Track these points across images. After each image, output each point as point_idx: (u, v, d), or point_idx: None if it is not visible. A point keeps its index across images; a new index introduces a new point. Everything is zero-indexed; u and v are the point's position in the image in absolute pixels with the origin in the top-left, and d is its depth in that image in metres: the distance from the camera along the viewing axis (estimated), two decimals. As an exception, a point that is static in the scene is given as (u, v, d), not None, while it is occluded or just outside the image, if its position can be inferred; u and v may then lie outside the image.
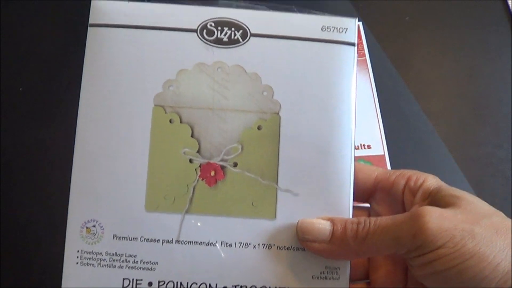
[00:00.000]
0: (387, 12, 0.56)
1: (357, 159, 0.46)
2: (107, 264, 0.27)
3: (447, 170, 0.47)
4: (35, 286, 0.41)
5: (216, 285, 0.27)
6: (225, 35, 0.28)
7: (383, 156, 0.46)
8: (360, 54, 0.53)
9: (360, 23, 0.54)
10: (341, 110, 0.27)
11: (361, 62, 0.52)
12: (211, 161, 0.27)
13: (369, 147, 0.46)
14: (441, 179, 0.46)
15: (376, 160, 0.46)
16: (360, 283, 0.29)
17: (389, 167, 0.46)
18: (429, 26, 0.55)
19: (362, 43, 0.54)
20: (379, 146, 0.47)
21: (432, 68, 0.53)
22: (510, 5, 0.56)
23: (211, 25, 0.28)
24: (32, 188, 0.45)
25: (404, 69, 0.52)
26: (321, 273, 0.27)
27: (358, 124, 0.49)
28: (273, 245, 0.27)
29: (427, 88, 0.49)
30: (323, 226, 0.26)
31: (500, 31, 0.55)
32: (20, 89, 0.51)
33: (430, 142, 0.48)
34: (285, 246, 0.27)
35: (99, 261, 0.27)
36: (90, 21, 0.29)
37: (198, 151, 0.27)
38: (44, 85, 0.51)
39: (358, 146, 0.47)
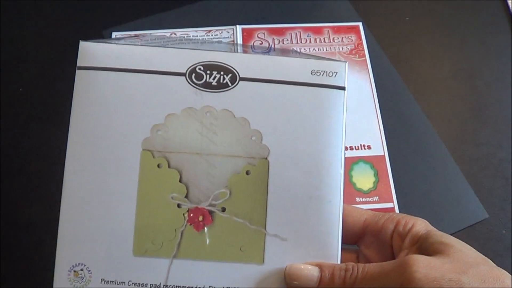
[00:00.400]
0: (387, 12, 0.56)
1: (357, 159, 0.46)
2: None
3: (447, 170, 0.47)
4: (35, 286, 0.41)
5: None
6: (214, 79, 0.28)
7: (383, 156, 0.46)
8: (360, 54, 0.53)
9: (360, 24, 0.55)
10: (330, 155, 0.28)
11: (361, 62, 0.52)
12: (199, 206, 0.28)
13: (369, 147, 0.46)
14: (441, 179, 0.46)
15: (376, 160, 0.46)
16: None
17: (389, 167, 0.46)
18: (429, 27, 0.55)
19: (362, 44, 0.54)
20: (379, 146, 0.47)
21: (432, 68, 0.53)
22: (510, 5, 0.56)
23: (200, 69, 0.28)
24: (32, 189, 0.45)
25: (404, 70, 0.53)
26: None
27: (358, 125, 0.49)
28: None
29: (427, 88, 0.49)
30: (311, 272, 0.26)
31: (500, 31, 0.55)
32: (20, 89, 0.51)
33: (430, 142, 0.48)
34: None
35: None
36: (78, 64, 0.28)
37: (186, 196, 0.27)
38: (44, 85, 0.51)
39: (358, 146, 0.47)
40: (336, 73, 0.28)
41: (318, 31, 0.54)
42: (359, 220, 0.28)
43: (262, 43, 0.54)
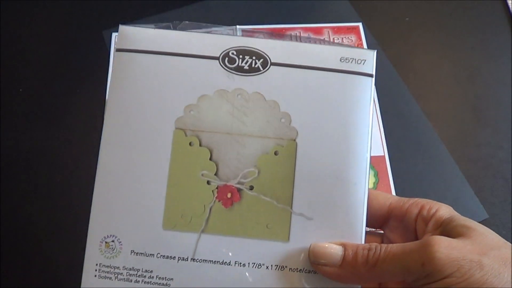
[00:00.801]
0: (387, 13, 0.56)
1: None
2: (124, 278, 0.28)
3: (447, 170, 0.47)
4: (35, 286, 0.41)
5: None
6: (246, 63, 0.29)
7: (383, 157, 0.46)
8: (360, 55, 0.53)
9: (360, 24, 0.55)
10: (357, 139, 0.28)
11: (361, 63, 0.52)
12: (228, 184, 0.29)
13: (369, 147, 0.46)
14: (441, 179, 0.46)
15: (376, 160, 0.46)
16: None
17: (389, 168, 0.46)
18: (429, 27, 0.55)
19: (362, 44, 0.54)
20: (379, 147, 0.47)
21: (432, 68, 0.53)
22: (510, 6, 0.56)
23: (232, 53, 0.29)
24: (32, 189, 0.45)
25: (404, 70, 0.53)
26: None
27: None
28: (286, 266, 0.28)
29: (427, 88, 0.49)
30: (334, 250, 0.27)
31: (500, 31, 0.55)
32: (20, 90, 0.51)
33: (430, 143, 0.48)
34: (297, 268, 0.28)
35: (116, 275, 0.28)
36: (117, 46, 0.30)
37: (216, 174, 0.29)
38: (44, 86, 0.51)
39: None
40: (365, 60, 0.29)
41: (318, 31, 0.54)
42: (384, 204, 0.29)
43: (262, 43, 0.53)
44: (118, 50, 0.30)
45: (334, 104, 0.29)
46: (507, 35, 0.55)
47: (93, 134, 0.48)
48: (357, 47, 0.30)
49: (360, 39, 0.54)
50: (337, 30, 0.54)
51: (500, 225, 0.44)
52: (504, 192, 0.46)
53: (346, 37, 0.54)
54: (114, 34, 0.55)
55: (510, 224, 0.44)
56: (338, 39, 0.54)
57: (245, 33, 0.50)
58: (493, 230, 0.35)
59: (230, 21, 0.55)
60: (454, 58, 0.53)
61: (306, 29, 0.55)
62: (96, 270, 0.28)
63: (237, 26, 0.55)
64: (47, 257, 0.42)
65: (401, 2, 0.57)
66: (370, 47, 0.53)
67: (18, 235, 0.43)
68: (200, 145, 0.29)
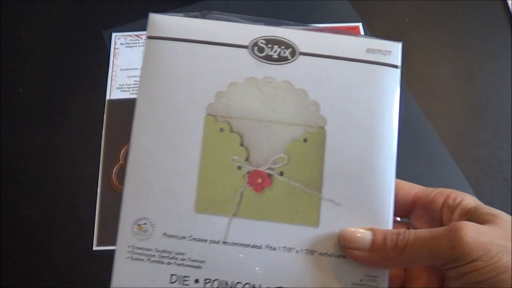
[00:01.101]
0: (387, 13, 0.56)
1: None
2: (156, 260, 0.29)
3: (447, 170, 0.47)
4: (35, 286, 0.41)
5: (260, 285, 0.28)
6: (275, 52, 0.30)
7: (383, 156, 0.46)
8: (360, 55, 0.53)
9: (360, 24, 0.55)
10: (384, 127, 0.29)
11: (361, 63, 0.52)
12: (259, 169, 0.29)
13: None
14: (441, 179, 0.46)
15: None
16: None
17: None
18: (429, 27, 0.55)
19: (362, 44, 0.54)
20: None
21: (432, 69, 0.53)
22: (510, 6, 0.56)
23: (262, 43, 0.30)
24: (32, 188, 0.45)
25: (404, 70, 0.52)
26: (361, 280, 0.28)
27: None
28: (315, 251, 0.28)
29: (427, 89, 0.49)
30: (364, 235, 0.27)
31: (500, 31, 0.55)
32: (20, 90, 0.51)
33: (430, 143, 0.48)
34: (326, 253, 0.28)
35: (148, 257, 0.29)
36: (148, 34, 0.30)
37: (247, 159, 0.29)
38: (44, 86, 0.51)
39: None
40: (391, 52, 0.30)
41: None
42: (410, 193, 0.30)
43: (262, 43, 0.53)
44: (149, 37, 0.30)
45: (361, 93, 0.29)
46: (507, 35, 0.55)
47: (93, 134, 0.48)
48: (384, 38, 0.30)
49: (360, 39, 0.54)
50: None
51: (500, 225, 0.44)
52: (504, 192, 0.46)
53: (346, 37, 0.54)
54: (114, 34, 0.55)
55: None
56: (338, 39, 0.54)
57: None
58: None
59: (230, 21, 0.55)
60: (454, 58, 0.53)
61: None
62: (128, 252, 0.29)
63: (237, 26, 0.55)
64: (47, 257, 0.42)
65: (401, 2, 0.57)
66: (370, 47, 0.53)
67: (18, 235, 0.43)
68: (231, 131, 0.29)
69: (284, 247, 0.28)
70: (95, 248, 0.42)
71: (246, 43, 0.30)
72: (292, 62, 0.30)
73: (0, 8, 0.56)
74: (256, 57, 0.30)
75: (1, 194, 0.45)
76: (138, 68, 0.52)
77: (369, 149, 0.29)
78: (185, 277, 0.29)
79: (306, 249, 0.28)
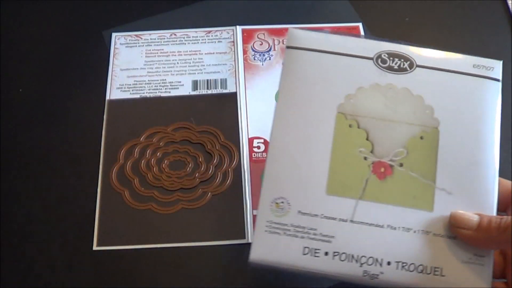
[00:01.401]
0: (387, 13, 0.56)
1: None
2: (291, 234, 0.34)
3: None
4: (36, 286, 0.41)
5: (382, 259, 0.33)
6: (395, 64, 0.36)
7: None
8: (360, 55, 0.53)
9: (360, 24, 0.55)
10: (488, 129, 0.35)
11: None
12: (382, 160, 0.35)
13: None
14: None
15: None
16: (498, 282, 0.34)
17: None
18: (429, 27, 0.55)
19: (362, 44, 0.54)
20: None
21: (432, 69, 0.53)
22: (510, 6, 0.56)
23: (384, 55, 0.37)
24: (32, 188, 0.45)
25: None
26: (469, 258, 0.33)
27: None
28: (430, 232, 0.33)
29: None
30: (471, 217, 0.32)
31: (500, 31, 0.55)
32: (20, 90, 0.51)
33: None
34: (440, 234, 0.33)
35: (284, 231, 0.34)
36: (287, 44, 0.37)
37: (371, 151, 0.35)
38: (44, 86, 0.51)
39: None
40: (493, 68, 0.36)
41: (318, 31, 0.54)
42: (508, 189, 0.34)
43: (262, 43, 0.54)
44: (288, 47, 0.37)
45: (469, 100, 0.36)
46: (507, 35, 0.55)
47: (93, 134, 0.48)
48: (486, 58, 0.37)
49: (360, 39, 0.54)
50: (337, 31, 0.54)
51: (499, 226, 0.44)
52: (503, 193, 0.46)
53: (346, 37, 0.54)
54: (114, 34, 0.55)
55: (494, 213, 0.45)
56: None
57: (244, 31, 0.52)
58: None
59: (230, 21, 0.55)
60: (454, 58, 0.53)
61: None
62: (266, 226, 0.34)
63: (237, 27, 0.55)
64: (47, 257, 0.42)
65: (401, 2, 0.57)
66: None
67: (18, 235, 0.43)
68: (358, 127, 0.35)
69: (403, 227, 0.33)
70: (95, 248, 0.42)
71: (371, 55, 0.37)
72: (411, 73, 0.36)
73: (0, 8, 0.56)
74: (380, 67, 0.36)
75: (1, 194, 0.45)
76: (138, 68, 0.53)
77: (475, 147, 0.35)
78: (316, 249, 0.33)
79: (422, 230, 0.33)
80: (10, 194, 0.45)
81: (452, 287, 0.32)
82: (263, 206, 0.34)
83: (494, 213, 0.33)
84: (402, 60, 0.37)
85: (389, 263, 0.33)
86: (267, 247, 0.34)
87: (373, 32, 0.54)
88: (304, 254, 0.33)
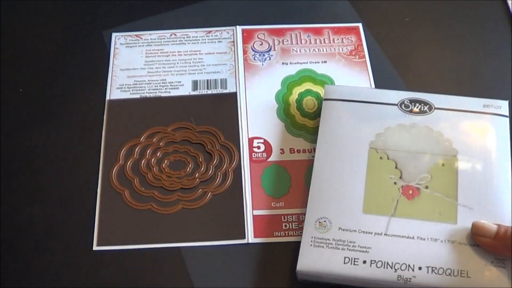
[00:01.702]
0: (387, 13, 0.56)
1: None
2: (333, 247, 0.39)
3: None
4: (35, 286, 0.41)
5: (414, 265, 0.38)
6: (417, 107, 0.45)
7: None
8: (360, 55, 0.53)
9: (360, 25, 0.55)
10: (499, 156, 0.42)
11: (361, 63, 0.53)
12: (410, 184, 0.42)
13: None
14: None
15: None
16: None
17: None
18: (429, 27, 0.56)
19: (362, 45, 0.54)
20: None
21: (432, 69, 0.53)
22: (510, 5, 0.56)
23: (407, 101, 0.45)
24: (32, 188, 0.45)
25: (404, 70, 0.53)
26: (491, 262, 0.38)
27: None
28: (455, 241, 0.39)
29: (427, 89, 0.49)
30: (490, 227, 0.38)
31: (500, 31, 0.55)
32: (20, 90, 0.51)
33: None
34: (464, 242, 0.39)
35: (327, 245, 0.39)
36: (324, 97, 0.46)
37: (400, 177, 0.42)
38: (43, 86, 0.52)
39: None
40: (501, 106, 0.45)
41: (318, 31, 0.55)
42: None
43: (262, 43, 0.54)
44: (325, 99, 0.46)
45: (482, 133, 0.43)
46: (507, 35, 0.55)
47: (93, 134, 0.48)
48: (494, 99, 0.45)
49: (360, 40, 0.54)
50: (337, 31, 0.54)
51: (499, 226, 0.44)
52: (503, 193, 0.46)
53: (346, 37, 0.54)
54: (114, 34, 0.55)
55: (510, 224, 0.45)
56: (338, 39, 0.54)
57: (244, 31, 0.52)
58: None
59: (230, 21, 0.55)
60: (454, 58, 0.53)
61: (306, 30, 0.55)
62: (311, 241, 0.40)
63: (237, 27, 0.55)
64: (47, 257, 0.42)
65: (401, 2, 0.57)
66: (370, 47, 0.53)
67: (18, 235, 0.43)
68: (388, 158, 0.43)
69: (431, 238, 0.39)
70: (95, 248, 0.43)
71: (396, 102, 0.45)
72: (430, 114, 0.44)
73: (0, 8, 0.56)
74: (404, 110, 0.45)
75: (1, 194, 0.45)
76: (138, 68, 0.53)
77: (490, 171, 0.42)
78: (355, 259, 0.39)
79: (448, 240, 0.39)
80: (10, 194, 0.45)
81: (477, 287, 0.37)
82: (308, 225, 0.40)
83: (509, 219, 0.39)
84: (422, 104, 0.45)
85: (420, 268, 0.38)
86: (313, 258, 0.39)
87: (373, 32, 0.54)
88: (345, 263, 0.38)
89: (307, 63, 0.53)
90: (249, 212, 0.44)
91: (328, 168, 0.42)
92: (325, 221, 0.40)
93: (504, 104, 0.44)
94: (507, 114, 0.44)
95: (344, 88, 0.46)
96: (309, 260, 0.39)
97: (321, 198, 0.41)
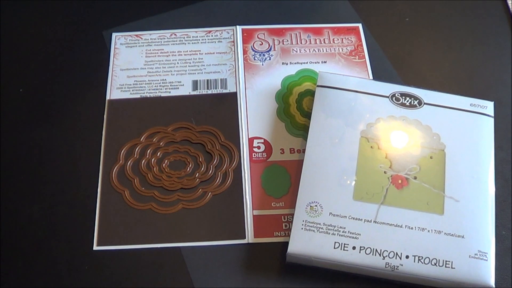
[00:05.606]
0: (387, 13, 0.57)
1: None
2: (324, 231, 0.42)
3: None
4: (35, 286, 0.41)
5: (401, 253, 0.40)
6: (407, 101, 0.47)
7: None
8: (360, 56, 0.53)
9: (360, 25, 0.55)
10: (483, 152, 0.45)
11: (361, 64, 0.53)
12: (399, 174, 0.45)
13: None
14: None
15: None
16: None
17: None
18: (429, 27, 0.56)
19: (362, 45, 0.54)
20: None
21: (432, 69, 0.53)
22: (510, 5, 0.56)
23: (398, 95, 0.48)
24: (32, 188, 0.46)
25: (404, 70, 0.53)
26: (475, 254, 0.40)
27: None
28: (442, 231, 0.41)
29: (427, 89, 0.49)
30: None
31: (500, 31, 0.55)
32: (20, 90, 0.51)
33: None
34: (450, 233, 0.41)
35: (317, 229, 0.42)
36: (318, 84, 0.48)
37: (390, 167, 0.45)
38: (44, 86, 0.52)
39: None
40: (487, 106, 0.47)
41: (318, 32, 0.55)
42: None
43: (262, 43, 0.54)
44: (318, 86, 0.48)
45: (468, 130, 0.46)
46: (507, 35, 0.55)
47: (93, 134, 0.48)
48: (481, 99, 0.47)
49: (360, 40, 0.55)
50: (337, 31, 0.55)
51: (500, 226, 0.45)
52: (504, 192, 0.47)
53: (346, 37, 0.54)
54: (114, 34, 0.55)
55: (510, 225, 0.45)
56: (338, 39, 0.54)
57: (244, 31, 0.52)
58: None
59: (230, 21, 0.56)
60: (454, 58, 0.53)
61: (306, 30, 0.55)
62: (302, 225, 0.42)
63: (237, 26, 0.55)
64: (47, 257, 0.42)
65: (401, 2, 0.57)
66: (370, 47, 0.54)
67: (18, 235, 0.43)
68: (378, 148, 0.45)
69: (418, 227, 0.41)
70: (95, 248, 0.43)
71: (387, 94, 0.48)
72: (420, 108, 0.47)
73: (0, 8, 0.56)
74: (394, 103, 0.47)
75: (1, 194, 0.45)
76: (138, 68, 0.53)
77: (475, 166, 0.45)
78: (345, 244, 0.41)
79: (434, 230, 0.41)
80: (10, 194, 0.45)
81: (461, 279, 0.39)
82: (299, 208, 0.42)
83: (493, 215, 0.42)
84: (413, 98, 0.47)
85: (407, 257, 0.40)
86: (304, 242, 0.41)
87: (373, 32, 0.54)
88: (335, 248, 0.41)
89: (307, 63, 0.53)
90: (249, 212, 0.45)
91: (320, 153, 0.45)
92: (316, 206, 0.42)
93: (490, 104, 0.48)
94: (492, 114, 0.48)
95: (338, 77, 0.48)
96: (300, 244, 0.41)
97: (313, 183, 0.43)
